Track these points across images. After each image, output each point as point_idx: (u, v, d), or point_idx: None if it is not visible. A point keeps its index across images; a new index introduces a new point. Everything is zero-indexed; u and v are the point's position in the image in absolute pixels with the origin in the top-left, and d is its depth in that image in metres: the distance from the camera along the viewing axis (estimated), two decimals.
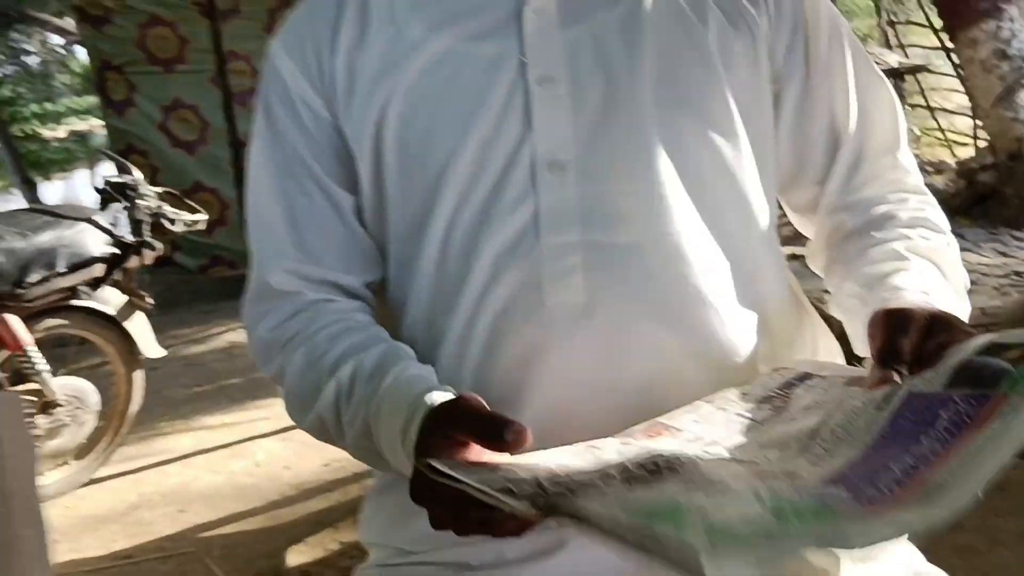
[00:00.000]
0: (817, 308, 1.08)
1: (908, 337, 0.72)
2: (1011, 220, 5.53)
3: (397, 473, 0.79)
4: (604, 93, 0.86)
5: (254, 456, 3.20)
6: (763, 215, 0.93)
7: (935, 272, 0.89)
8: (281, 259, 0.92)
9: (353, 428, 0.83)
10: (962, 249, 3.86)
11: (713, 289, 0.86)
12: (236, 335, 4.67)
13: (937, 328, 0.72)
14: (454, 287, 0.87)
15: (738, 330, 0.88)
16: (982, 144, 6.77)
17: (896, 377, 0.69)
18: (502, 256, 0.85)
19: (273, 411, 3.50)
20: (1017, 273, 4.66)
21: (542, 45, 0.86)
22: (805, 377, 0.79)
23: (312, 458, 3.07)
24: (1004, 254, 5.13)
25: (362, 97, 0.88)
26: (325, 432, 0.88)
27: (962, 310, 0.85)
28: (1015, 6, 5.72)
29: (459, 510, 0.63)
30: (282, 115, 0.92)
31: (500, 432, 0.65)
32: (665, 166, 0.85)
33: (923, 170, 6.79)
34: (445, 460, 0.64)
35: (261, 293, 0.93)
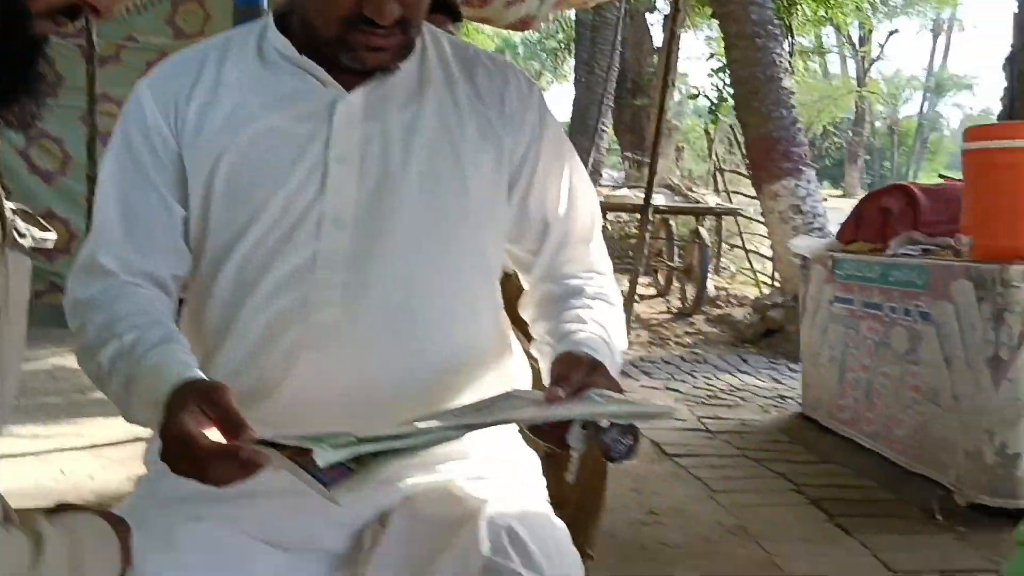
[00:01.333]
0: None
1: (575, 370, 1.11)
2: (789, 353, 6.26)
3: (135, 421, 1.12)
4: (382, 174, 1.20)
5: (61, 465, 3.38)
6: (489, 274, 1.30)
7: (604, 333, 1.27)
8: (112, 244, 1.22)
9: (119, 378, 1.12)
10: (741, 372, 4.63)
11: (441, 324, 1.22)
12: (62, 359, 4.80)
13: (593, 370, 1.12)
14: (245, 296, 1.19)
15: (456, 355, 1.24)
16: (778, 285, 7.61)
17: (560, 393, 1.07)
18: (284, 280, 1.16)
19: (86, 429, 3.67)
20: (781, 396, 5.33)
21: (344, 133, 1.17)
22: (510, 395, 1.18)
23: (117, 471, 3.28)
24: (777, 380, 5.83)
25: (206, 142, 1.21)
26: (99, 379, 1.16)
27: (612, 361, 1.22)
28: (813, 169, 6.62)
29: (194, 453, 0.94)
30: (138, 138, 1.22)
31: (238, 430, 0.96)
32: (419, 230, 1.21)
33: (728, 304, 7.52)
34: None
35: (88, 266, 1.23)
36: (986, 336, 3.20)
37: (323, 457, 0.84)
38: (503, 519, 1.12)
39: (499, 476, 1.26)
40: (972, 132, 3.52)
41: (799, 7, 8.54)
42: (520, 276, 1.42)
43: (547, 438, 1.09)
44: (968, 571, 2.80)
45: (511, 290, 1.44)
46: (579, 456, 1.08)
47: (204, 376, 1.08)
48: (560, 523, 1.21)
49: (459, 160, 1.23)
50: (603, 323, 1.27)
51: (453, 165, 1.22)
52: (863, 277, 4.04)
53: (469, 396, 1.23)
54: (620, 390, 1.10)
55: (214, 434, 0.97)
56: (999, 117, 5.35)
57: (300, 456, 0.85)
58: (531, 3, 5.88)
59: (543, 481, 1.36)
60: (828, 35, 25.60)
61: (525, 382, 1.38)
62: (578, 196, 1.35)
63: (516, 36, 31.64)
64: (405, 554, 1.15)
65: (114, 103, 5.82)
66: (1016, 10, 5.41)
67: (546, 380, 1.17)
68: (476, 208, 1.25)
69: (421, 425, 0.95)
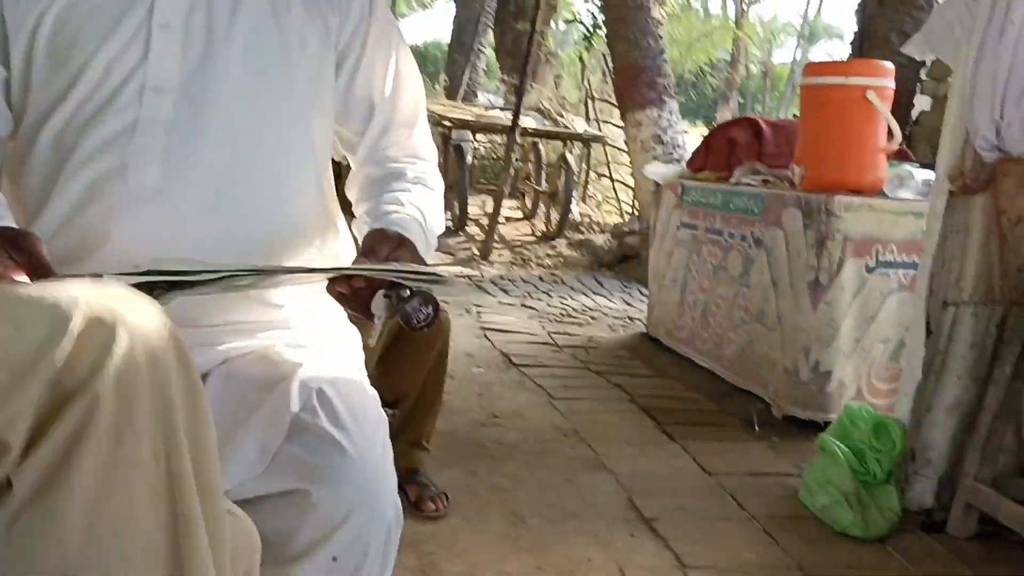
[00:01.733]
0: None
1: (382, 245, 1.17)
2: (642, 278, 6.49)
3: None
4: (206, 44, 1.22)
5: None
6: (313, 151, 1.33)
7: (419, 216, 1.34)
8: None
9: None
10: (595, 294, 4.77)
11: (260, 195, 1.25)
12: None
13: (400, 245, 1.18)
14: (66, 156, 1.20)
15: (274, 227, 1.27)
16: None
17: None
18: (104, 143, 1.19)
19: None
20: (629, 317, 5.56)
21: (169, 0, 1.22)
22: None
23: None
24: (628, 303, 6.07)
25: (27, 2, 1.20)
26: None
27: (424, 241, 1.30)
28: (675, 101, 6.80)
29: None
30: None
31: (45, 274, 0.99)
32: (242, 101, 1.23)
33: (590, 229, 7.71)
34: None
35: None
36: (809, 261, 3.43)
37: (111, 280, 0.89)
38: (315, 382, 1.19)
39: (319, 345, 1.31)
40: (809, 68, 3.70)
41: None
42: (347, 157, 1.47)
43: (352, 306, 1.14)
44: (776, 474, 3.04)
45: (345, 172, 1.49)
46: (382, 323, 1.14)
47: (15, 225, 1.09)
48: (372, 391, 1.28)
49: (284, 35, 1.26)
50: (419, 205, 1.34)
51: (277, 39, 1.25)
52: (707, 204, 4.23)
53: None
54: (424, 265, 1.16)
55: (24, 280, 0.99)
56: (849, 59, 5.61)
57: None
58: None
59: (362, 356, 1.43)
60: None
61: (349, 261, 1.41)
62: (403, 81, 1.39)
63: None
64: (218, 412, 1.19)
65: None
66: None
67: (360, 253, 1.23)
68: (300, 84, 1.28)
69: (212, 266, 1.00)
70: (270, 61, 1.25)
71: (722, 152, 4.36)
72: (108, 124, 1.18)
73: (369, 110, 1.38)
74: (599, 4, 7.87)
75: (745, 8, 28.03)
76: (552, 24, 15.31)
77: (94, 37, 1.18)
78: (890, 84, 3.44)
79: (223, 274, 1.00)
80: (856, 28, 5.64)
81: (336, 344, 1.36)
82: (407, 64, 1.41)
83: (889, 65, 3.49)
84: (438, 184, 1.45)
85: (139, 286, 0.93)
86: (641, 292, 6.27)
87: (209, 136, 1.21)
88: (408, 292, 1.08)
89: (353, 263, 1.16)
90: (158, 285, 0.96)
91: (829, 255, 3.38)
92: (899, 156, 3.72)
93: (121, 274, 0.94)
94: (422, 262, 1.18)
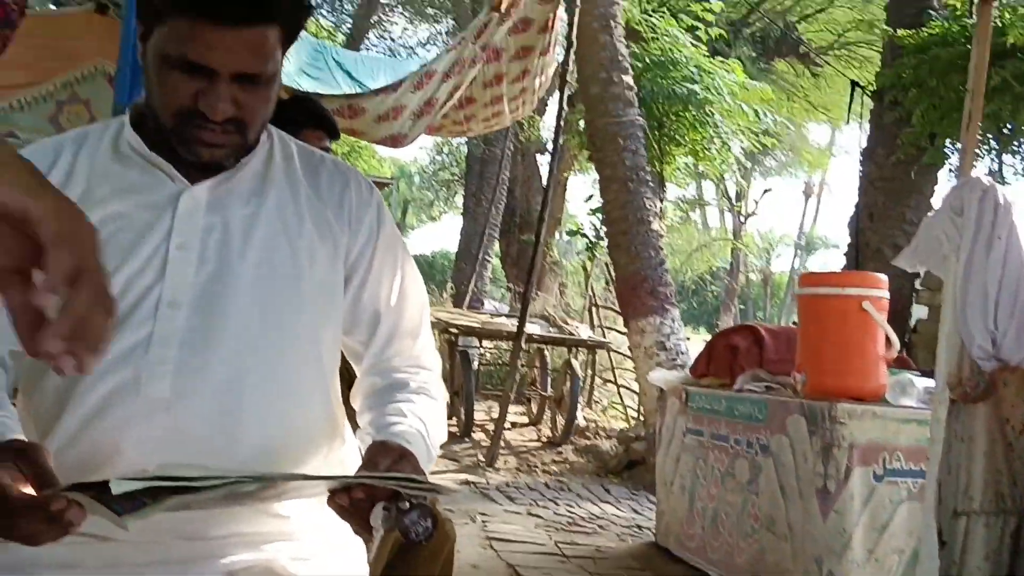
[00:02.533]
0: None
1: (383, 456, 1.20)
2: (650, 485, 6.40)
3: None
4: (221, 262, 1.29)
5: None
6: (321, 362, 1.37)
7: (421, 427, 1.36)
8: None
9: None
10: (603, 502, 4.77)
11: (267, 406, 1.28)
12: None
13: (401, 459, 1.21)
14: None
15: (281, 438, 1.30)
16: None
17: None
18: (119, 356, 1.20)
19: None
20: (638, 526, 5.44)
21: (187, 222, 1.27)
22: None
23: None
24: (636, 511, 5.95)
25: None
26: None
27: (426, 454, 1.32)
28: (677, 309, 6.95)
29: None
30: None
31: (50, 485, 1.04)
32: (252, 316, 1.29)
33: (596, 435, 7.69)
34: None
35: None
36: (816, 468, 3.41)
37: (118, 487, 0.91)
38: None
39: (324, 559, 1.32)
40: (805, 278, 3.83)
41: (672, 157, 9.12)
42: (353, 366, 1.51)
43: (351, 518, 1.14)
44: None
45: (352, 380, 1.53)
46: (380, 536, 1.15)
47: (24, 438, 1.12)
48: None
49: (295, 253, 1.32)
50: (422, 416, 1.36)
51: (289, 257, 1.31)
52: (712, 410, 4.26)
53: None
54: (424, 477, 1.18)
55: (30, 492, 1.02)
56: (843, 269, 5.78)
57: (101, 493, 0.92)
58: (402, 122, 6.14)
59: (367, 569, 1.42)
60: (709, 189, 27.11)
61: (354, 470, 1.42)
62: (408, 293, 1.45)
63: (411, 166, 32.33)
64: None
65: None
66: (859, 172, 5.94)
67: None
68: (310, 299, 1.33)
69: (216, 472, 1.03)
70: (281, 277, 1.31)
71: (724, 358, 4.43)
72: (124, 339, 1.23)
73: (375, 321, 1.43)
74: (601, 218, 8.19)
75: (743, 220, 29.06)
76: (556, 235, 15.88)
77: (114, 257, 1.24)
78: (885, 294, 3.55)
79: (227, 480, 1.02)
80: (850, 240, 5.85)
81: (342, 558, 1.36)
82: (411, 277, 1.47)
83: (883, 277, 3.61)
84: (441, 394, 1.47)
85: (144, 490, 0.96)
86: (649, 499, 6.16)
87: (219, 349, 1.25)
88: (407, 504, 1.09)
89: (354, 474, 1.18)
90: (163, 490, 0.98)
91: (836, 462, 3.37)
92: (899, 364, 3.78)
93: (127, 479, 0.96)
94: (423, 474, 1.19)
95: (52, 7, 6.03)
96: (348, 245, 1.38)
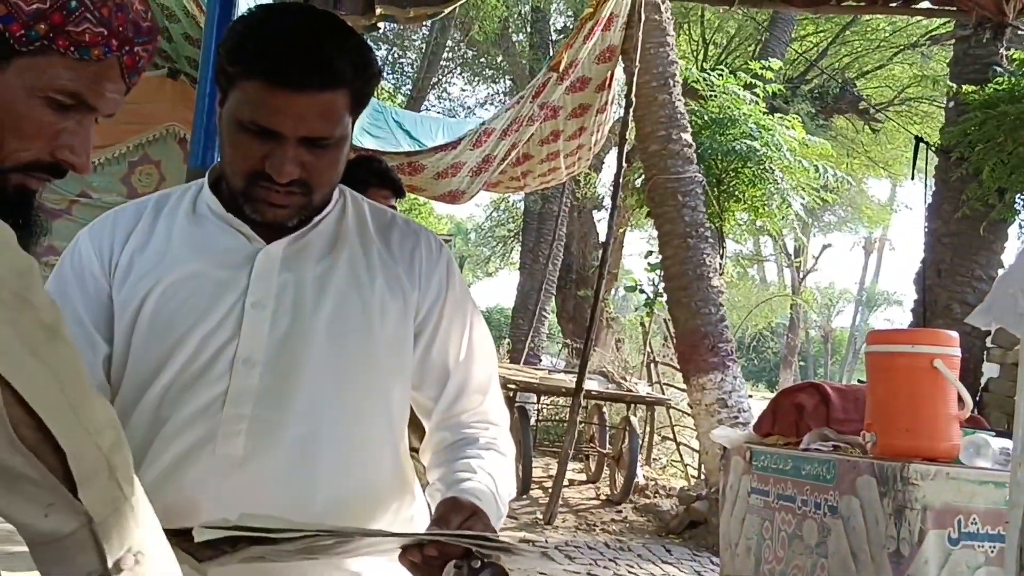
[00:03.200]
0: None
1: (455, 514, 1.21)
2: (712, 546, 6.27)
3: None
4: (294, 320, 1.31)
5: None
6: (391, 417, 1.39)
7: (491, 484, 1.36)
8: None
9: None
10: (664, 562, 4.67)
11: (338, 461, 1.30)
12: None
13: (472, 516, 1.21)
14: (159, 427, 1.27)
15: (351, 494, 1.31)
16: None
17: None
18: (195, 414, 1.25)
19: None
20: None
21: (262, 280, 1.30)
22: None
23: None
24: (699, 573, 5.83)
25: (134, 283, 1.31)
26: None
27: (495, 510, 1.32)
28: (738, 365, 6.87)
29: None
30: (71, 277, 1.33)
31: None
32: (325, 372, 1.31)
33: (656, 494, 7.59)
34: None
35: None
36: (888, 531, 3.31)
37: (200, 535, 0.93)
38: None
39: None
40: (873, 336, 3.75)
41: (731, 213, 9.08)
42: (423, 422, 1.51)
43: (423, 575, 1.14)
44: None
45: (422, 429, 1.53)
46: None
47: None
48: None
49: (367, 310, 1.34)
50: (492, 472, 1.36)
51: (360, 314, 1.34)
52: (778, 469, 4.17)
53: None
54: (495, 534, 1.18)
55: None
56: (911, 326, 5.67)
57: (183, 540, 0.94)
58: (460, 179, 6.23)
59: None
60: (767, 244, 26.89)
61: (423, 527, 1.43)
62: (477, 349, 1.46)
63: (468, 223, 32.67)
64: None
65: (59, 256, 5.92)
66: (925, 228, 5.86)
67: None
68: (381, 354, 1.35)
69: (296, 525, 1.04)
70: (353, 333, 1.33)
71: (790, 417, 4.34)
72: (200, 396, 1.26)
73: (444, 377, 1.44)
74: (660, 274, 8.17)
75: (802, 276, 28.73)
76: (613, 291, 15.86)
77: (191, 315, 1.29)
78: (957, 352, 3.46)
79: (306, 533, 1.03)
80: (916, 297, 5.75)
81: None
82: (480, 333, 1.48)
83: (954, 334, 3.53)
84: (509, 449, 1.47)
85: (225, 539, 0.97)
86: (712, 561, 6.04)
87: (293, 406, 1.27)
88: (479, 563, 1.09)
89: (426, 531, 1.18)
90: (243, 539, 1.00)
91: (909, 525, 3.27)
92: (972, 424, 3.67)
93: (210, 527, 0.98)
94: (494, 532, 1.20)
95: None
96: (418, 301, 1.40)
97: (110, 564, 0.76)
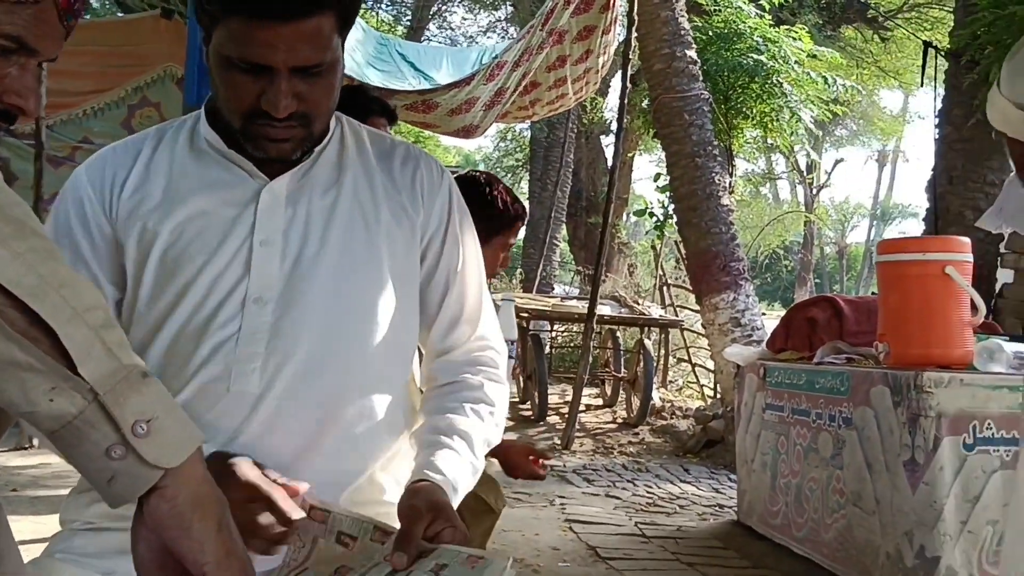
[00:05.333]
0: None
1: (417, 524, 1.13)
2: (729, 463, 6.33)
3: None
4: (302, 255, 1.30)
5: None
6: (401, 349, 1.38)
7: (465, 449, 1.31)
8: None
9: None
10: (682, 481, 4.72)
11: (350, 393, 1.29)
12: None
13: (437, 520, 1.15)
14: (176, 370, 1.26)
15: (364, 422, 1.31)
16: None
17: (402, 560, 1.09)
18: (209, 355, 1.25)
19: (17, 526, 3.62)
20: (719, 505, 5.38)
21: (268, 217, 1.28)
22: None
23: None
24: (717, 490, 5.89)
25: (139, 224, 1.29)
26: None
27: (472, 473, 1.31)
28: (751, 284, 6.83)
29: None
30: (74, 221, 1.30)
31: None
32: (334, 306, 1.29)
33: (672, 415, 7.61)
34: None
35: None
36: (903, 440, 3.32)
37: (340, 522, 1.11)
38: None
39: None
40: (884, 245, 3.70)
41: (740, 131, 8.95)
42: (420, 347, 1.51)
43: None
44: None
45: None
46: None
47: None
48: None
49: (373, 241, 1.33)
50: (471, 432, 1.34)
51: (367, 245, 1.32)
52: (792, 384, 4.17)
53: (375, 463, 1.33)
54: (464, 536, 1.14)
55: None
56: (923, 235, 5.61)
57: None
58: (474, 114, 6.18)
59: None
60: (778, 162, 26.62)
61: None
62: (469, 278, 1.45)
63: (476, 154, 32.44)
64: None
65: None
66: (936, 135, 5.75)
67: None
68: (389, 286, 1.34)
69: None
70: (361, 265, 1.32)
71: (802, 332, 4.33)
72: (213, 336, 1.25)
73: (438, 305, 1.43)
74: (669, 195, 8.09)
75: (815, 193, 28.48)
76: (623, 216, 15.77)
77: (201, 254, 1.27)
78: (969, 258, 3.42)
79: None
80: (928, 205, 5.67)
81: None
82: (475, 262, 1.47)
83: (966, 240, 3.48)
84: (498, 396, 1.44)
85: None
86: (729, 478, 6.09)
87: (303, 340, 1.26)
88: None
89: (393, 550, 1.10)
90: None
91: (923, 433, 3.27)
92: (986, 329, 3.65)
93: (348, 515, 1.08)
94: (462, 533, 1.15)
95: (119, 14, 6.16)
96: (422, 227, 1.39)
97: (125, 432, 0.76)
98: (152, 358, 1.27)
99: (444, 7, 19.15)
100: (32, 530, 3.67)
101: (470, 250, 1.47)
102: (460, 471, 1.29)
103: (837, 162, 31.02)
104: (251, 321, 1.25)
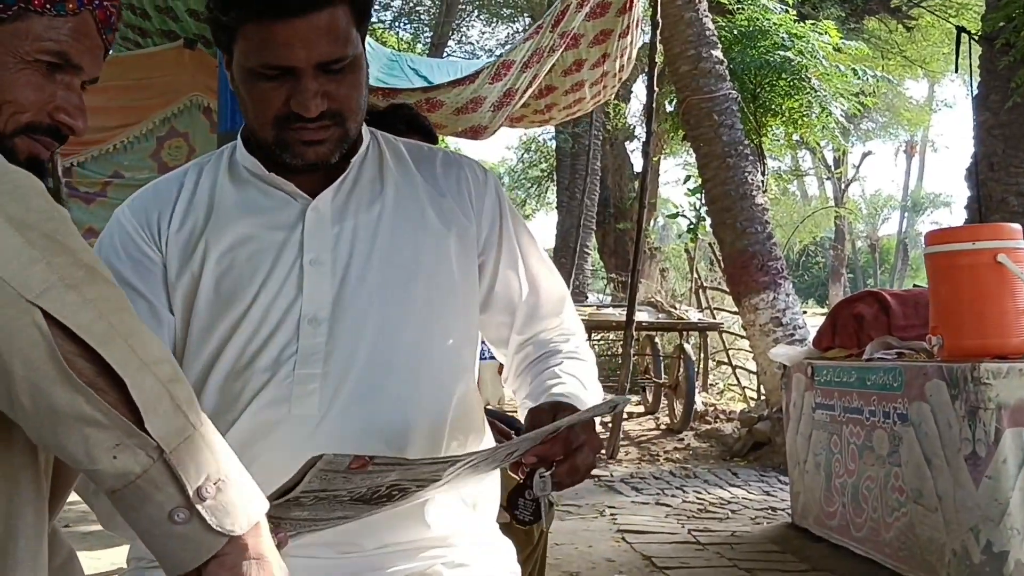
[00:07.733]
0: None
1: (541, 419, 1.17)
2: (779, 465, 6.23)
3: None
4: (351, 272, 1.28)
5: None
6: (461, 353, 1.35)
7: (579, 385, 1.32)
8: None
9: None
10: (732, 486, 4.65)
11: (410, 410, 1.26)
12: None
13: (560, 412, 1.18)
14: (234, 395, 1.25)
15: (422, 435, 1.27)
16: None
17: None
18: (267, 379, 1.24)
19: None
20: (772, 508, 5.30)
21: (316, 236, 1.27)
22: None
23: None
24: (767, 492, 5.80)
25: (188, 249, 1.28)
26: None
27: (590, 401, 1.30)
28: (789, 282, 6.75)
29: None
30: (119, 254, 1.29)
31: None
32: (386, 321, 1.27)
33: (716, 419, 7.53)
34: None
35: None
36: (963, 434, 3.24)
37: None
38: None
39: (480, 564, 1.30)
40: (933, 236, 3.63)
41: (769, 129, 8.87)
42: (498, 355, 1.50)
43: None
44: None
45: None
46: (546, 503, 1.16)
47: None
48: None
49: (421, 249, 1.31)
50: (578, 375, 1.34)
51: (416, 254, 1.30)
52: (842, 382, 4.09)
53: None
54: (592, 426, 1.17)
55: None
56: (967, 223, 5.51)
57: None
58: (481, 114, 6.11)
59: (519, 569, 1.39)
60: (804, 159, 26.39)
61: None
62: (539, 272, 1.43)
63: (501, 166, 32.47)
64: None
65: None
66: (973, 122, 5.66)
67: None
68: (442, 293, 1.32)
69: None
70: (411, 277, 1.30)
71: (849, 329, 4.26)
72: (271, 360, 1.24)
73: (512, 305, 1.42)
74: (701, 198, 8.02)
75: (844, 187, 28.20)
76: (652, 221, 15.70)
77: (254, 282, 1.26)
78: (1020, 245, 3.34)
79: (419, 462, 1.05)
80: (970, 193, 5.57)
81: (496, 561, 1.34)
82: (540, 254, 1.46)
83: (1016, 226, 3.40)
84: (590, 356, 1.45)
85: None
86: (780, 480, 6.00)
87: (360, 357, 1.24)
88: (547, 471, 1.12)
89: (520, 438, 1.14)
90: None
91: (984, 425, 3.19)
92: None
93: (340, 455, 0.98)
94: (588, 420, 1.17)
95: (140, 48, 6.23)
96: (475, 232, 1.37)
97: (191, 494, 0.73)
98: (210, 388, 1.26)
99: (462, 22, 19.22)
100: (89, 566, 3.68)
101: (531, 246, 1.45)
102: (579, 402, 1.27)
103: (865, 155, 30.73)
104: (307, 342, 1.24)
